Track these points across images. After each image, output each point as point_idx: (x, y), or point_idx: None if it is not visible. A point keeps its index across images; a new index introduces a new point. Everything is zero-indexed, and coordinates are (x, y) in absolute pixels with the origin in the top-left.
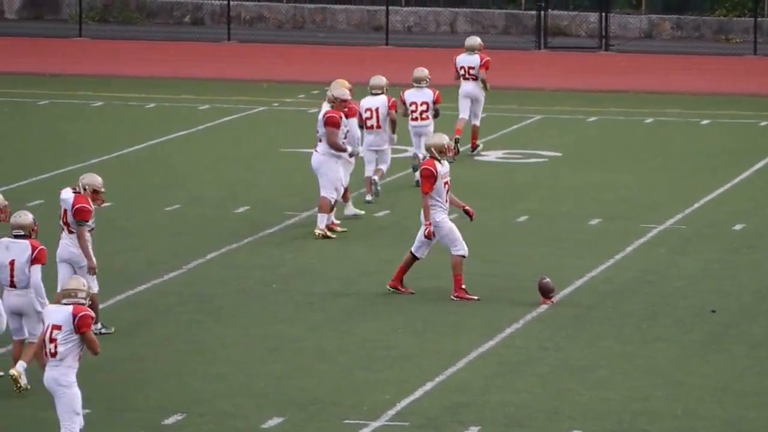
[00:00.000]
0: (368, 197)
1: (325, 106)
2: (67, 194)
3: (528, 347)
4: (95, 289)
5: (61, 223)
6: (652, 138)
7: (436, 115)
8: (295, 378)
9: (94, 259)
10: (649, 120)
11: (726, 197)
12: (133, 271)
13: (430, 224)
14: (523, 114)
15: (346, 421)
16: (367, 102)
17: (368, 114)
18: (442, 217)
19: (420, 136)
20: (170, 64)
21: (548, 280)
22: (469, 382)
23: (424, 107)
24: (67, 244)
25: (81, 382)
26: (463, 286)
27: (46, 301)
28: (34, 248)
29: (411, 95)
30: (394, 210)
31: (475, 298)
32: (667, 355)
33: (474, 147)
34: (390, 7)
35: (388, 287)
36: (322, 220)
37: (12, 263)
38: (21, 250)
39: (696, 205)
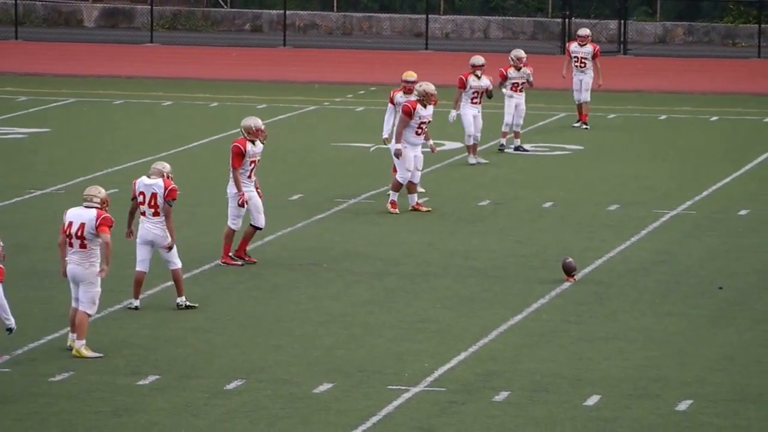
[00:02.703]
0: (471, 160)
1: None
2: (152, 180)
3: (553, 320)
4: (179, 264)
5: (147, 206)
6: (666, 133)
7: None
8: (344, 348)
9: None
10: (662, 117)
11: (732, 186)
12: (199, 252)
13: (243, 194)
14: (550, 111)
15: (389, 387)
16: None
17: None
18: (244, 190)
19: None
20: (232, 68)
21: (571, 260)
22: (500, 351)
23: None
24: (149, 228)
25: (153, 352)
26: (231, 254)
27: (11, 317)
28: None
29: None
30: (433, 198)
31: (239, 263)
32: (678, 327)
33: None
34: (429, 16)
35: (232, 256)
36: (391, 196)
37: None
38: None
39: (705, 193)
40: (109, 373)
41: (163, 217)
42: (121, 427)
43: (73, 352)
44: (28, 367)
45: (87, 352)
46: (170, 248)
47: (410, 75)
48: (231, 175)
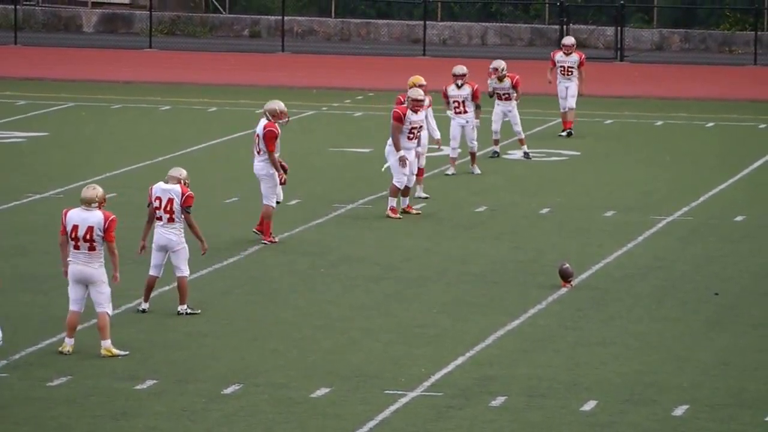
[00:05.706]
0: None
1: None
2: (170, 186)
3: (550, 326)
4: (186, 272)
5: (163, 212)
6: (662, 139)
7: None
8: (341, 353)
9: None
10: (659, 123)
11: (728, 192)
12: (196, 257)
13: (282, 174)
14: (546, 117)
15: (387, 392)
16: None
17: (456, 104)
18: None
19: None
20: (230, 73)
21: (568, 265)
22: (497, 356)
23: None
24: (163, 233)
25: (151, 356)
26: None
27: None
28: None
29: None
30: (429, 202)
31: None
32: (674, 333)
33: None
34: (427, 22)
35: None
36: (390, 203)
37: None
38: None
39: (701, 199)
40: (106, 378)
41: (178, 223)
42: (119, 431)
43: (103, 352)
44: (25, 371)
45: (116, 350)
46: (204, 252)
47: (418, 79)
48: (267, 157)
